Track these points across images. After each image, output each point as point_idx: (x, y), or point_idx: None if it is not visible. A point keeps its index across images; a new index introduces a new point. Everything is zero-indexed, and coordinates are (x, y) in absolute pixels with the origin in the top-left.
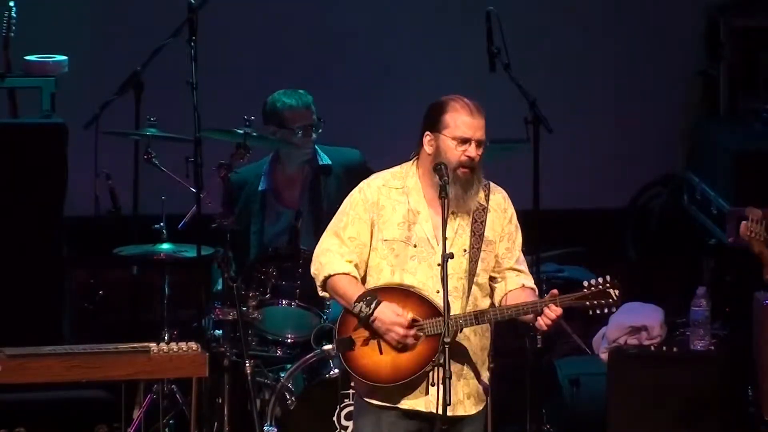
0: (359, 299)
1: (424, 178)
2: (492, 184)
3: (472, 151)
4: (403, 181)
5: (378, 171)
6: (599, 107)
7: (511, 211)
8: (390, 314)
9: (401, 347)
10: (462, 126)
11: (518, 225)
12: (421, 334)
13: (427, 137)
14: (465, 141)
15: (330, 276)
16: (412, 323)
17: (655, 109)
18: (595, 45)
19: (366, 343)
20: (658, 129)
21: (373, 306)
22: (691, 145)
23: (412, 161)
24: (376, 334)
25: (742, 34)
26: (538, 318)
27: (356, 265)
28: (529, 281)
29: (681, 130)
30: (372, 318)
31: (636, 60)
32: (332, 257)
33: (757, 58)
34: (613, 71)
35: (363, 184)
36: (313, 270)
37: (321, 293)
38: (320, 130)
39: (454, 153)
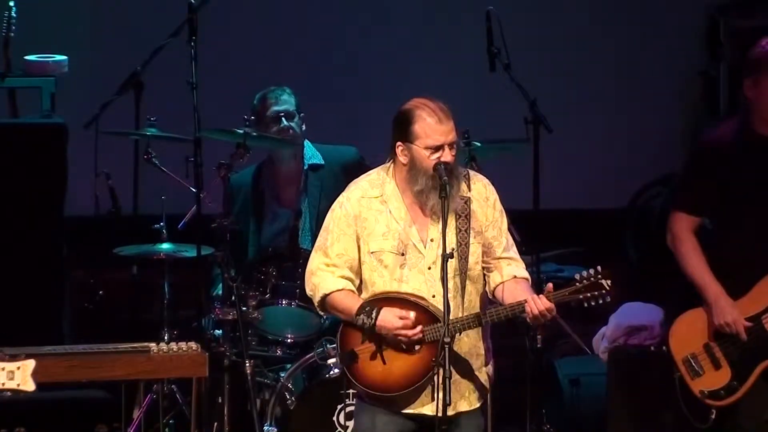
0: (359, 311)
1: (401, 184)
2: (472, 173)
3: (447, 155)
4: (381, 188)
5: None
6: (599, 107)
7: (494, 197)
8: (393, 318)
9: (411, 347)
10: (433, 134)
11: (503, 210)
12: (425, 338)
13: (400, 147)
14: (438, 148)
15: (326, 296)
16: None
17: (655, 109)
18: (595, 45)
19: (369, 355)
20: (658, 129)
21: (374, 315)
22: (691, 145)
23: (388, 166)
24: (378, 345)
25: (742, 34)
26: (526, 308)
27: (349, 279)
28: (520, 270)
29: (681, 130)
30: (376, 327)
31: (636, 60)
32: (324, 276)
33: None
34: (613, 71)
35: (342, 198)
36: (308, 291)
37: (321, 312)
38: (295, 119)
39: (430, 161)
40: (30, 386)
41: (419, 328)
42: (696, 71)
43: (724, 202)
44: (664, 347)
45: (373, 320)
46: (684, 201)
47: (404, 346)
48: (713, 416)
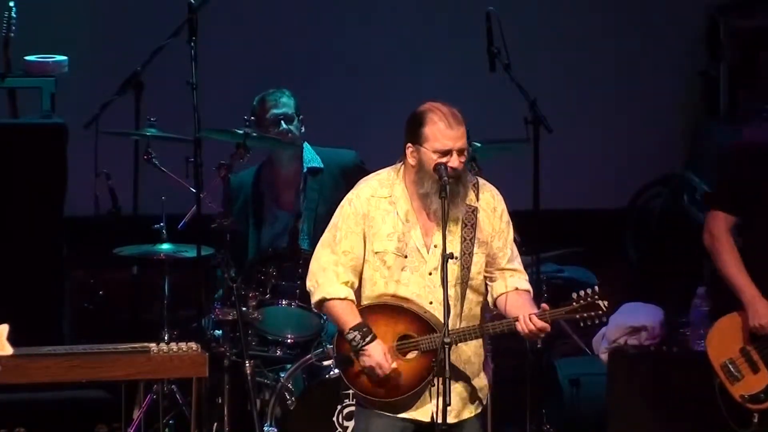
0: (355, 328)
1: (410, 186)
2: (481, 181)
3: (455, 161)
4: (391, 189)
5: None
6: (599, 107)
7: (501, 207)
8: (379, 356)
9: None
10: (442, 139)
11: (509, 220)
12: (413, 355)
13: (409, 149)
14: (446, 153)
15: (325, 299)
16: (403, 344)
17: (655, 109)
18: (595, 45)
19: None
20: (658, 129)
21: (367, 340)
22: (691, 145)
23: (399, 167)
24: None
25: (742, 34)
26: (516, 326)
27: (352, 284)
28: (523, 282)
29: (681, 130)
30: (362, 351)
31: (636, 60)
32: (329, 278)
33: (757, 58)
34: (613, 71)
35: (352, 195)
36: (308, 285)
37: (315, 309)
38: (295, 122)
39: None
40: (7, 350)
41: (390, 373)
42: (696, 71)
43: (757, 202)
44: (664, 347)
45: (364, 343)
46: (722, 200)
47: (371, 375)
48: (756, 420)
